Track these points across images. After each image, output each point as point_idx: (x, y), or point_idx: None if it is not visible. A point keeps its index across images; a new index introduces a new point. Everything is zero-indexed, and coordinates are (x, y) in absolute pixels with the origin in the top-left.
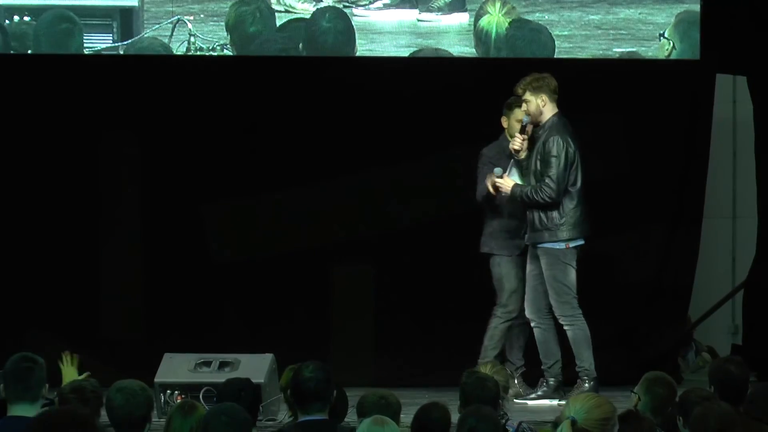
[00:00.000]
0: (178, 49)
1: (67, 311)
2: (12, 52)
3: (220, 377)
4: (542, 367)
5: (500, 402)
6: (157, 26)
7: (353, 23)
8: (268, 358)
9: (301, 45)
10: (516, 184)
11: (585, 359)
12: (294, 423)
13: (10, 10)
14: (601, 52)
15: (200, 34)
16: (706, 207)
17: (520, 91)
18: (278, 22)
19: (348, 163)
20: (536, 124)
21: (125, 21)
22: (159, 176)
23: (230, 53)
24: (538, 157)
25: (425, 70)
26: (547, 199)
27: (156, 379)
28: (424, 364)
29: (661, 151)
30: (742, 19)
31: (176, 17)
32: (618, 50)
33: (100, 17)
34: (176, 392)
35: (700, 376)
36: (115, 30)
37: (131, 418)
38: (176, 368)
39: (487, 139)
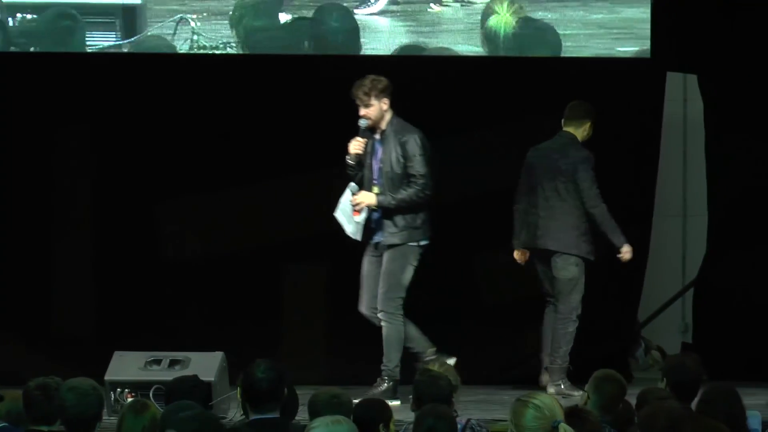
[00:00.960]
0: (182, 47)
1: (17, 308)
2: (14, 49)
3: (171, 375)
4: (382, 366)
5: (453, 400)
6: (160, 24)
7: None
8: (218, 356)
9: (306, 43)
10: (379, 194)
11: (392, 360)
12: (246, 421)
13: (13, 7)
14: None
15: (203, 32)
16: (656, 205)
17: (363, 96)
18: None
19: (313, 161)
20: (373, 129)
21: (128, 19)
22: (114, 172)
23: (234, 51)
24: (397, 159)
25: (433, 68)
26: (427, 194)
27: (106, 377)
28: (376, 362)
29: (612, 149)
30: (692, 17)
31: (179, 15)
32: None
33: (102, 15)
34: (126, 390)
35: (649, 374)
36: (118, 28)
37: (83, 417)
38: (126, 366)
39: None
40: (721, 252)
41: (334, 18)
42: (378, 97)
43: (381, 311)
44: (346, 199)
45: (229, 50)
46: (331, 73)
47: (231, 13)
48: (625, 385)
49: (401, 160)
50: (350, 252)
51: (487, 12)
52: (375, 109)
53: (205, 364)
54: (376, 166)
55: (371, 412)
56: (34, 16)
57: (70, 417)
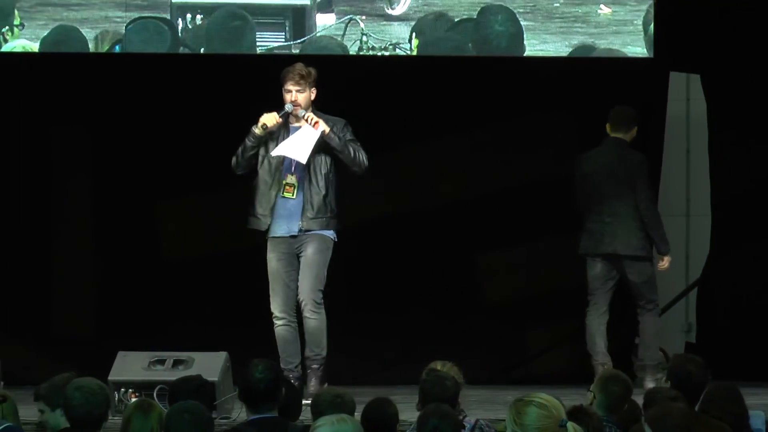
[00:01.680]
0: (351, 47)
1: (18, 310)
2: (183, 50)
3: (174, 375)
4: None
5: (458, 400)
6: (330, 25)
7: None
8: (222, 356)
9: (470, 44)
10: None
11: (324, 347)
12: (245, 421)
13: (183, 8)
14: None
15: (373, 33)
16: (659, 205)
17: (300, 80)
18: None
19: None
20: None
21: (298, 19)
22: (114, 173)
23: (402, 53)
24: (330, 140)
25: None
26: (366, 162)
27: (110, 377)
28: (379, 361)
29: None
30: (695, 17)
31: (348, 16)
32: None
33: (272, 16)
34: (130, 390)
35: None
36: (287, 29)
37: (90, 417)
38: (130, 366)
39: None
40: (724, 252)
41: (499, 20)
42: (310, 86)
43: (312, 303)
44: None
45: (398, 51)
46: (491, 74)
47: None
48: (631, 384)
49: (341, 140)
50: (346, 252)
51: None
52: (306, 96)
53: (209, 364)
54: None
55: (382, 411)
56: (205, 16)
57: (76, 416)
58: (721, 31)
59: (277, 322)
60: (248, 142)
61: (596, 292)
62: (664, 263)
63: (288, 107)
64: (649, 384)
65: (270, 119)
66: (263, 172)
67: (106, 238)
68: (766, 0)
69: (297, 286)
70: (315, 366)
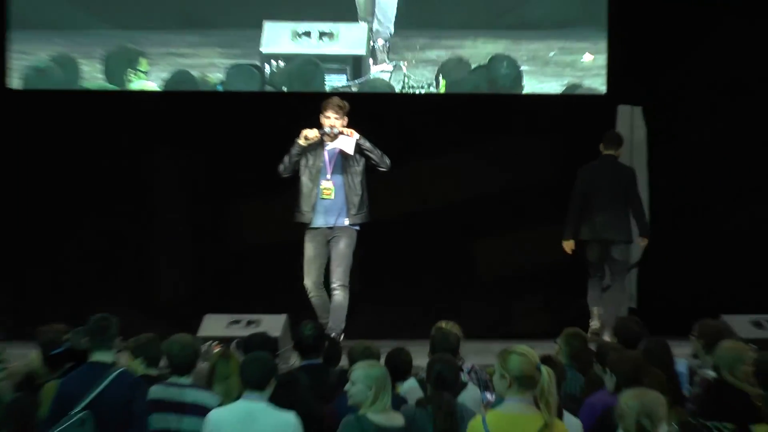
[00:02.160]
0: (397, 87)
1: (137, 285)
2: (269, 89)
3: (247, 332)
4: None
5: (459, 350)
6: (381, 71)
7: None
8: (282, 317)
9: (486, 84)
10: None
11: (344, 321)
12: (298, 366)
13: (269, 57)
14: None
15: (413, 75)
16: None
17: (339, 109)
18: None
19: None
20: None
21: (356, 65)
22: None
23: (435, 91)
24: (363, 144)
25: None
26: (389, 162)
27: (198, 334)
28: (400, 322)
29: (575, 166)
30: (640, 59)
31: (394, 62)
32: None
33: (336, 62)
34: (214, 343)
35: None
36: (347, 72)
37: (184, 362)
38: (214, 325)
39: None
40: (656, 245)
41: (505, 65)
42: (344, 114)
43: (342, 282)
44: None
45: (431, 89)
46: (499, 105)
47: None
48: (587, 339)
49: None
50: (372, 234)
51: None
52: (341, 122)
53: (273, 324)
54: (327, 159)
55: (401, 358)
56: (286, 63)
57: (175, 362)
58: (657, 74)
59: (311, 294)
60: (293, 151)
61: (594, 272)
62: (644, 242)
63: (327, 129)
64: (606, 338)
65: (311, 132)
66: (305, 179)
67: (196, 232)
68: (693, 48)
69: (324, 268)
70: (334, 335)
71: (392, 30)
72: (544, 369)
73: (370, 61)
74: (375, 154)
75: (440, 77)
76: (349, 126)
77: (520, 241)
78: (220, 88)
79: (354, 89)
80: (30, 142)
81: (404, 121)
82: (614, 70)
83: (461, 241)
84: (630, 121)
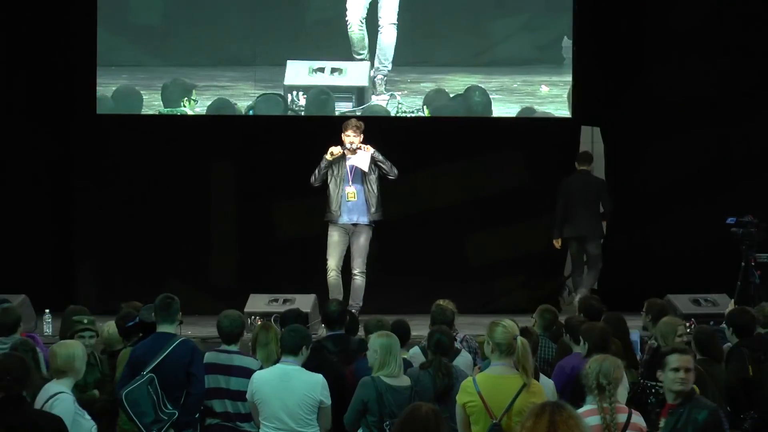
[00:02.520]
0: (392, 111)
1: (195, 270)
2: (290, 113)
3: (284, 308)
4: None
5: (454, 323)
6: (380, 100)
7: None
8: (312, 297)
9: (463, 110)
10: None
11: (361, 300)
12: (325, 336)
13: (291, 88)
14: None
15: (405, 103)
16: None
17: (357, 129)
18: None
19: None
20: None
21: (360, 95)
22: (249, 187)
23: (423, 115)
24: (376, 157)
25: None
26: (397, 172)
27: (245, 309)
28: (406, 300)
29: (545, 175)
30: (597, 88)
31: (390, 93)
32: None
33: (344, 92)
34: (257, 317)
35: (570, 308)
36: (353, 100)
37: (233, 333)
38: (257, 303)
39: None
40: (612, 238)
41: (478, 94)
42: (361, 132)
43: (361, 269)
44: (358, 155)
45: (419, 113)
46: (474, 127)
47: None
48: (558, 314)
49: (377, 161)
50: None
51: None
52: (358, 139)
53: (305, 302)
54: (349, 169)
55: (403, 327)
56: (304, 93)
57: (224, 333)
58: (615, 98)
59: (331, 274)
60: (322, 165)
61: (576, 262)
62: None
63: (348, 145)
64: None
65: (337, 149)
66: (333, 185)
67: (244, 227)
68: (636, 81)
69: (344, 254)
70: (354, 311)
71: (390, 68)
72: (520, 339)
73: (371, 91)
74: (386, 165)
75: (425, 104)
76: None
77: (503, 235)
78: (251, 113)
79: (358, 113)
80: (113, 154)
81: (398, 138)
82: (577, 98)
83: (455, 235)
84: (591, 138)
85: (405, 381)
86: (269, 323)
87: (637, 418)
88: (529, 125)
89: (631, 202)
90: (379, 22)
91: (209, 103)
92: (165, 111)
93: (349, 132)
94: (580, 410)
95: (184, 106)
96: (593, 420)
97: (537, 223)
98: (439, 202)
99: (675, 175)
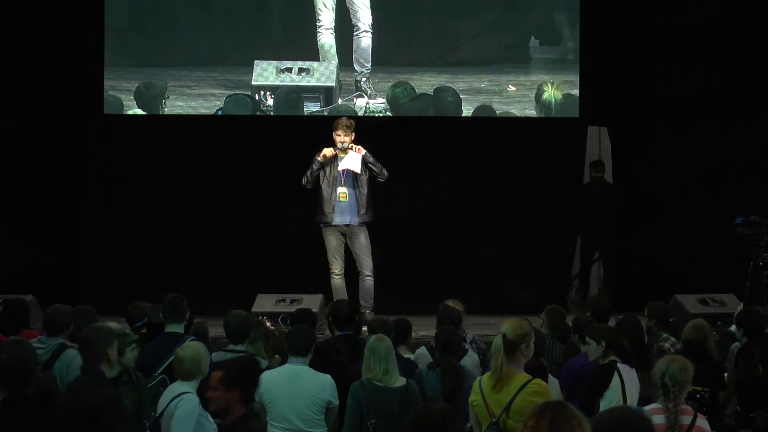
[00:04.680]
0: (360, 111)
1: (203, 270)
2: (259, 113)
3: (292, 308)
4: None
5: (461, 323)
6: (347, 98)
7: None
8: (319, 297)
9: (432, 110)
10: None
11: (373, 299)
12: (334, 336)
13: (259, 88)
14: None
15: (372, 104)
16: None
17: (347, 128)
18: None
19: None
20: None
21: (327, 94)
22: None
23: (390, 114)
24: (367, 159)
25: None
26: (386, 174)
27: (252, 309)
28: (413, 300)
29: (554, 174)
30: (605, 88)
31: (358, 92)
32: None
33: (312, 92)
34: (264, 317)
35: (577, 308)
36: (321, 100)
37: (240, 333)
38: (264, 303)
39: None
40: (618, 239)
41: (450, 94)
42: (352, 131)
43: (369, 270)
44: (347, 156)
45: (387, 113)
46: (442, 126)
47: (389, 90)
48: (565, 314)
49: (368, 160)
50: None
51: (540, 91)
52: (350, 138)
53: (312, 302)
54: (341, 170)
55: (403, 325)
56: (272, 93)
57: (231, 333)
58: (620, 99)
59: (336, 276)
60: (314, 166)
61: (592, 258)
62: None
63: (339, 145)
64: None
65: (329, 151)
66: (325, 186)
67: (250, 226)
68: (650, 75)
69: (344, 256)
70: (368, 311)
71: (370, 68)
72: (496, 339)
73: (339, 91)
74: (377, 167)
75: (390, 103)
76: (324, 139)
77: (510, 235)
78: (220, 113)
79: (326, 113)
80: (120, 154)
81: (364, 137)
82: (585, 99)
83: (463, 235)
84: (598, 138)
85: (397, 382)
86: (262, 321)
87: (702, 422)
88: (537, 125)
89: (638, 201)
90: (358, 26)
91: (179, 104)
92: (139, 112)
93: (340, 131)
94: (648, 407)
95: (164, 107)
96: (658, 419)
97: (544, 224)
98: (445, 202)
99: (682, 174)
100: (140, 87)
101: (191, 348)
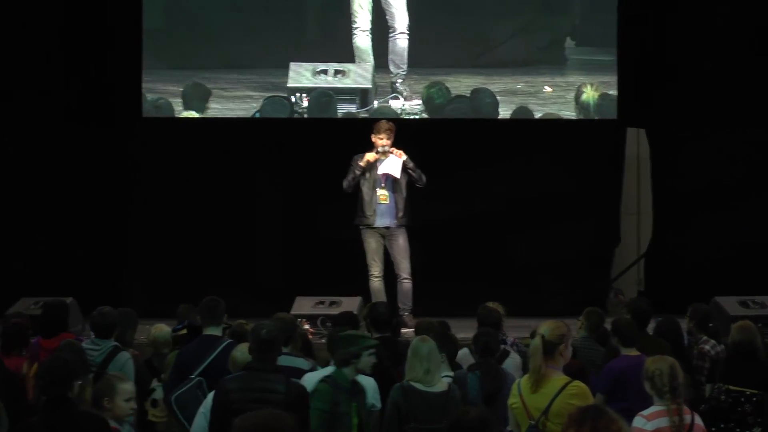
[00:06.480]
0: (397, 113)
1: (242, 273)
2: (296, 116)
3: (331, 311)
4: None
5: (502, 325)
6: (383, 100)
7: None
8: (358, 299)
9: (471, 111)
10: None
11: (411, 302)
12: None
13: (295, 90)
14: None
15: (408, 106)
16: (621, 206)
17: (388, 131)
18: None
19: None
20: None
21: (363, 96)
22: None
23: (426, 116)
24: (408, 164)
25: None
26: (425, 180)
27: (291, 312)
28: (453, 302)
29: (594, 175)
30: (642, 90)
31: (395, 94)
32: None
33: (347, 94)
34: (303, 319)
35: (617, 309)
36: (356, 102)
37: (278, 338)
38: (303, 305)
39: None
40: (661, 236)
41: (487, 95)
42: (392, 134)
43: (407, 273)
44: (387, 160)
45: (423, 116)
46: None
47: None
48: (604, 316)
49: (409, 165)
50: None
51: (579, 92)
52: (390, 141)
53: (351, 304)
54: (382, 174)
55: (445, 327)
56: (307, 95)
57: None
58: (658, 101)
59: (375, 279)
60: (357, 171)
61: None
62: None
63: (380, 149)
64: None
65: (371, 156)
66: (366, 189)
67: (287, 228)
68: (687, 75)
69: (383, 258)
70: (406, 313)
71: (406, 70)
72: (534, 340)
73: (375, 92)
74: (416, 173)
75: (425, 104)
76: (360, 141)
77: (549, 237)
78: (257, 115)
79: (363, 115)
80: (157, 156)
81: (441, 141)
82: (623, 100)
83: (501, 238)
84: (636, 140)
85: (439, 385)
86: (302, 323)
87: (699, 420)
88: (574, 126)
89: (677, 203)
90: (395, 28)
91: (216, 106)
92: (185, 114)
93: (382, 134)
94: (647, 411)
95: (208, 109)
96: (662, 422)
97: (583, 225)
98: (483, 204)
99: (721, 175)
100: (188, 87)
101: (244, 351)
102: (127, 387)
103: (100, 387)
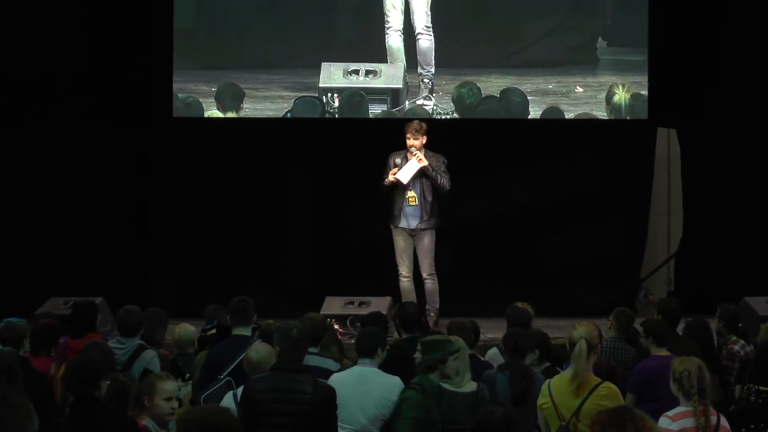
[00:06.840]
0: (430, 113)
1: (271, 274)
2: (327, 116)
3: (361, 311)
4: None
5: (531, 325)
6: (413, 100)
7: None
8: (387, 299)
9: (502, 111)
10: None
11: (438, 302)
12: (401, 339)
13: (326, 90)
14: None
15: (440, 104)
16: (650, 206)
17: (417, 132)
18: None
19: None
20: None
21: (394, 96)
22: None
23: (456, 116)
24: (433, 165)
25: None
26: (447, 186)
27: (321, 312)
28: (483, 302)
29: (625, 176)
30: (673, 90)
31: (426, 94)
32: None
33: (378, 94)
34: (332, 320)
35: (647, 309)
36: (388, 102)
37: (314, 335)
38: (333, 305)
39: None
40: (691, 236)
41: (517, 95)
42: (423, 134)
43: (431, 272)
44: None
45: (454, 115)
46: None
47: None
48: (634, 316)
49: (435, 166)
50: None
51: (610, 92)
52: (419, 142)
53: (380, 304)
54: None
55: (475, 326)
56: (338, 95)
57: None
58: (689, 101)
59: (404, 279)
60: (386, 184)
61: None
62: None
63: (412, 150)
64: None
65: (392, 177)
66: (397, 189)
67: (317, 228)
68: (720, 74)
69: (413, 258)
70: (432, 314)
71: (433, 71)
72: (581, 343)
73: (406, 92)
74: (436, 179)
75: (455, 104)
76: (391, 141)
77: (578, 237)
78: (289, 116)
79: (397, 115)
80: (188, 157)
81: (470, 141)
82: (654, 100)
83: (530, 238)
84: (667, 140)
85: (468, 386)
86: (332, 323)
87: (724, 421)
88: (605, 126)
89: (707, 203)
90: (415, 28)
91: (246, 106)
92: (219, 115)
93: (409, 135)
94: (672, 412)
95: (242, 109)
96: (688, 422)
97: (612, 225)
98: (512, 204)
99: (752, 175)
100: (222, 87)
101: (258, 351)
102: (168, 386)
103: (142, 386)
